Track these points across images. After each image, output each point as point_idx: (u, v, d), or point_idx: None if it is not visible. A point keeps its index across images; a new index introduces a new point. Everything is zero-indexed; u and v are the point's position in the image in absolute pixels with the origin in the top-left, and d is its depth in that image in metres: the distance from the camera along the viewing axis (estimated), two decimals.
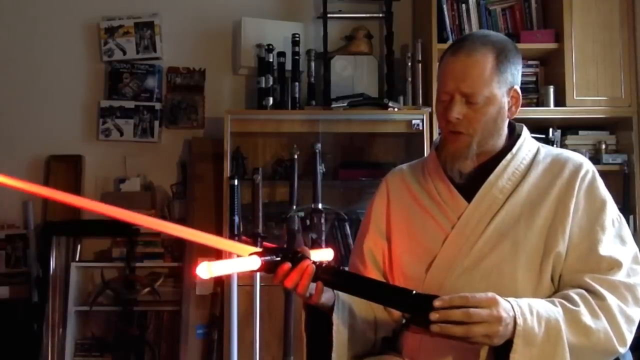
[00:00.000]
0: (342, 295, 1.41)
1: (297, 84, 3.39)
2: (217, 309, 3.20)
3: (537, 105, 3.33)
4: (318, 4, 3.59)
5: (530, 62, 3.37)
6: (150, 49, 3.62)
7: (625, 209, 3.11)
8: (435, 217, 1.48)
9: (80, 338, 3.45)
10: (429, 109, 3.20)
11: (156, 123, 3.60)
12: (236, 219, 3.04)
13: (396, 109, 3.22)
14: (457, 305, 1.18)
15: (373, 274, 1.55)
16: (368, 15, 3.63)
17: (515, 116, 1.49)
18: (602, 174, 1.48)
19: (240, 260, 1.22)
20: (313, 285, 1.31)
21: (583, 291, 1.32)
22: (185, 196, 3.49)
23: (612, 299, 1.31)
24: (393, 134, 3.37)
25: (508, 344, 1.20)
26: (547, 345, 1.22)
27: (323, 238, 3.03)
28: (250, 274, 2.94)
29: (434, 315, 1.17)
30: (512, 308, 1.21)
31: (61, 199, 1.25)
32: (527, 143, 1.50)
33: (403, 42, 3.64)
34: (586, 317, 1.27)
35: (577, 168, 1.44)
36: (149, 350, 3.39)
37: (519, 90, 1.47)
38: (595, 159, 3.20)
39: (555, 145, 3.12)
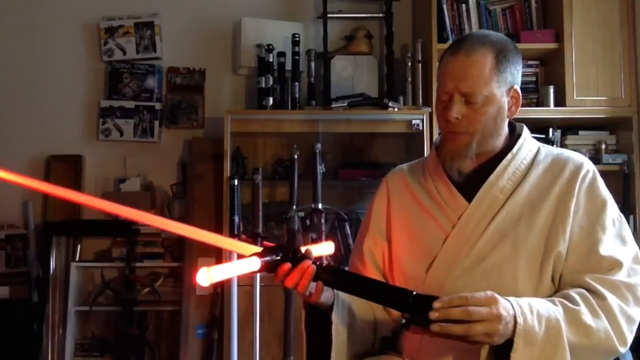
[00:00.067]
0: (342, 295, 1.41)
1: (297, 84, 3.39)
2: (217, 309, 3.20)
3: (537, 105, 3.33)
4: (318, 4, 3.59)
5: (530, 62, 3.37)
6: (150, 49, 3.62)
7: (625, 209, 3.11)
8: (436, 217, 1.48)
9: (80, 338, 3.46)
10: (429, 109, 3.20)
11: (156, 123, 3.60)
12: (236, 219, 3.04)
13: (396, 109, 3.22)
14: (456, 305, 1.18)
15: (373, 274, 1.55)
16: (368, 15, 3.63)
17: (515, 116, 1.49)
18: (602, 174, 1.48)
19: (240, 263, 1.22)
20: (313, 285, 1.31)
21: (583, 291, 1.32)
22: (185, 196, 3.49)
23: (612, 299, 1.31)
24: (393, 134, 3.37)
25: (508, 344, 1.20)
26: (547, 345, 1.22)
27: (323, 238, 3.02)
28: (251, 274, 2.94)
29: (433, 314, 1.17)
30: (512, 307, 1.21)
31: (61, 194, 1.25)
32: (528, 143, 1.50)
33: (403, 42, 3.64)
34: (587, 317, 1.27)
35: (578, 168, 1.44)
36: (149, 350, 3.39)
37: (519, 90, 1.47)
38: (595, 159, 3.19)
39: (555, 145, 3.12)
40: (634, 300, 1.33)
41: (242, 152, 3.37)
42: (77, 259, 3.48)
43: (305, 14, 3.67)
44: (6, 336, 3.33)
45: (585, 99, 3.21)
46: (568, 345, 1.23)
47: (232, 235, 2.99)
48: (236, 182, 3.07)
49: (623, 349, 1.32)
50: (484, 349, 1.23)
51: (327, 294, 1.37)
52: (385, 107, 3.22)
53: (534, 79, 3.41)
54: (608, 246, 1.37)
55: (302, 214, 3.05)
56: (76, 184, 3.51)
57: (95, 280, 3.51)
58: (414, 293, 1.22)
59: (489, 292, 1.21)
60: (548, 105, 3.27)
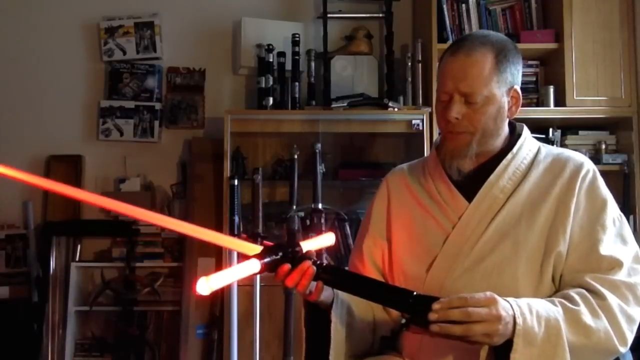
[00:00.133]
0: (341, 294, 1.42)
1: (297, 84, 3.39)
2: (217, 309, 3.20)
3: (537, 105, 3.33)
4: (318, 4, 3.59)
5: (530, 62, 3.37)
6: (150, 49, 3.62)
7: (625, 209, 3.11)
8: (436, 217, 1.48)
9: (80, 338, 3.46)
10: (429, 109, 3.20)
11: (156, 123, 3.60)
12: (236, 219, 3.05)
13: (396, 109, 3.22)
14: (456, 306, 1.18)
15: (372, 273, 1.55)
16: (368, 15, 3.63)
17: (515, 116, 1.49)
18: (602, 174, 1.48)
19: (240, 267, 1.22)
20: (313, 284, 1.31)
21: (583, 291, 1.32)
22: (185, 196, 3.49)
23: (612, 299, 1.31)
24: (393, 134, 3.37)
25: (508, 344, 1.20)
26: (547, 345, 1.22)
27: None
28: (251, 277, 2.94)
29: (432, 316, 1.17)
30: (512, 307, 1.21)
31: (61, 190, 1.25)
32: (528, 143, 1.50)
33: (403, 42, 3.64)
34: (586, 317, 1.27)
35: (578, 168, 1.44)
36: (149, 350, 3.39)
37: (519, 90, 1.47)
38: (595, 159, 3.19)
39: (555, 145, 3.12)
40: (635, 300, 1.33)
41: (242, 152, 3.37)
42: (77, 259, 3.48)
43: (305, 14, 3.67)
44: (6, 336, 3.33)
45: (585, 99, 3.21)
46: (568, 345, 1.23)
47: (232, 235, 2.99)
48: (236, 182, 3.07)
49: (623, 349, 1.31)
50: (484, 349, 1.23)
51: (326, 293, 1.37)
52: (385, 107, 3.22)
53: (534, 79, 3.41)
54: (608, 246, 1.37)
55: (302, 214, 3.05)
56: (76, 184, 3.51)
57: (95, 280, 3.51)
58: (414, 293, 1.22)
59: (488, 293, 1.21)
60: (548, 105, 3.27)
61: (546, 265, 1.37)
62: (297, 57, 3.40)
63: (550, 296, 1.35)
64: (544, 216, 1.40)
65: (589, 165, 1.46)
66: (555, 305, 1.28)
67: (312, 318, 1.44)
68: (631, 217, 3.15)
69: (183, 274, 3.36)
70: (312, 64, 3.48)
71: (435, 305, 1.17)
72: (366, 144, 3.51)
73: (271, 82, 3.34)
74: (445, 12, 3.35)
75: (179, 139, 3.63)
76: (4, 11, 3.66)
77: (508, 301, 1.22)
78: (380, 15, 3.58)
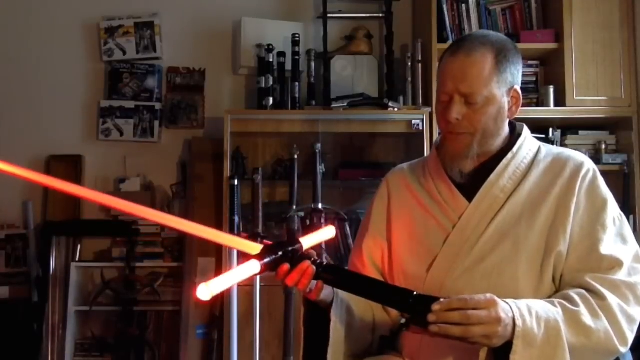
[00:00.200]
0: (341, 293, 1.42)
1: (297, 84, 3.39)
2: (217, 309, 3.20)
3: (537, 105, 3.33)
4: (318, 4, 3.59)
5: (530, 62, 3.37)
6: (150, 49, 3.62)
7: (625, 208, 3.11)
8: (436, 217, 1.48)
9: (80, 338, 3.46)
10: (429, 109, 3.20)
11: (156, 123, 3.60)
12: (236, 219, 3.05)
13: (396, 109, 3.22)
14: (455, 308, 1.18)
15: (372, 273, 1.55)
16: (368, 15, 3.63)
17: (515, 116, 1.49)
18: (602, 174, 1.48)
19: (240, 269, 1.22)
20: (314, 282, 1.32)
21: (583, 291, 1.32)
22: (185, 196, 3.49)
23: (612, 299, 1.31)
24: (393, 134, 3.37)
25: (508, 346, 1.20)
26: (547, 346, 1.22)
27: None
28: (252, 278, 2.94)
29: (431, 317, 1.17)
30: (511, 309, 1.21)
31: (61, 187, 1.26)
32: (528, 142, 1.50)
33: (403, 42, 3.64)
34: (586, 317, 1.27)
35: (578, 167, 1.44)
36: (149, 350, 3.39)
37: (519, 90, 1.47)
38: (595, 159, 3.19)
39: (555, 145, 3.12)
40: (635, 300, 1.33)
41: (242, 152, 3.37)
42: (77, 259, 3.48)
43: (305, 14, 3.67)
44: (6, 336, 3.33)
45: (585, 99, 3.21)
46: (568, 346, 1.23)
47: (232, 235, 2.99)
48: (236, 182, 3.08)
49: (624, 349, 1.31)
50: (483, 350, 1.23)
51: (326, 292, 1.37)
52: (385, 107, 3.22)
53: (534, 79, 3.41)
54: (608, 245, 1.37)
55: (302, 214, 3.05)
56: (76, 184, 3.50)
57: (95, 280, 3.51)
58: (415, 293, 1.22)
59: (488, 295, 1.21)
60: (548, 105, 3.27)
61: (546, 265, 1.37)
62: (297, 57, 3.40)
63: (550, 296, 1.35)
64: (544, 216, 1.40)
65: (589, 165, 1.46)
66: (555, 306, 1.27)
67: (311, 317, 1.44)
68: (631, 217, 3.15)
69: (183, 274, 3.36)
70: (312, 64, 3.48)
71: (435, 307, 1.18)
72: (366, 144, 3.51)
73: (271, 82, 3.34)
74: (445, 12, 3.35)
75: (179, 139, 3.63)
76: (4, 11, 3.66)
77: (508, 303, 1.22)
78: (380, 15, 3.58)
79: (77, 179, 3.53)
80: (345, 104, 3.22)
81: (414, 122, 3.21)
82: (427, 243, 1.47)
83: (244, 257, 1.27)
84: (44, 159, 3.58)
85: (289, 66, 3.41)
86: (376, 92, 3.45)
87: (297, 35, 3.42)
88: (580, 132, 3.33)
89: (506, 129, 1.49)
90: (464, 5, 3.39)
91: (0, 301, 3.43)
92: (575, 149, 1.54)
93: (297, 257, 1.29)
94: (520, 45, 2.95)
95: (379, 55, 3.60)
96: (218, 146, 3.27)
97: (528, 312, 1.22)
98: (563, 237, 1.37)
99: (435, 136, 3.12)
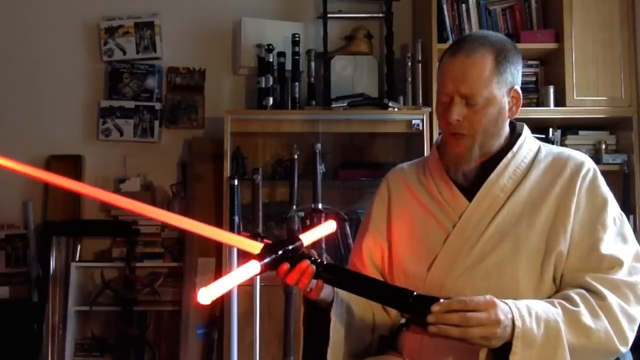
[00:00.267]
0: (341, 293, 1.42)
1: (297, 84, 3.39)
2: (217, 309, 3.20)
3: (537, 105, 3.33)
4: (318, 4, 3.59)
5: (530, 62, 3.37)
6: (150, 49, 3.62)
7: (625, 208, 3.11)
8: (437, 216, 1.48)
9: (80, 338, 3.45)
10: (429, 109, 3.20)
11: (156, 123, 3.60)
12: (236, 219, 3.05)
13: (396, 109, 3.22)
14: (455, 309, 1.18)
15: (371, 273, 1.55)
16: (368, 15, 3.63)
17: (515, 116, 1.49)
18: (602, 174, 1.48)
19: (240, 270, 1.22)
20: (314, 281, 1.32)
21: (583, 291, 1.32)
22: (185, 196, 3.49)
23: (613, 298, 1.30)
24: (393, 134, 3.37)
25: (508, 346, 1.20)
26: (546, 347, 1.22)
27: (323, 238, 3.02)
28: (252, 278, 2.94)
29: (431, 318, 1.17)
30: (511, 310, 1.21)
31: (61, 184, 1.26)
32: (528, 142, 1.50)
33: (403, 42, 3.64)
34: (586, 318, 1.27)
35: (579, 166, 1.44)
36: (149, 350, 3.39)
37: (519, 90, 1.47)
38: (595, 159, 3.18)
39: (555, 145, 3.12)
40: (635, 299, 1.33)
41: (242, 152, 3.37)
42: (77, 259, 3.48)
43: (305, 14, 3.67)
44: (6, 336, 3.33)
45: (585, 99, 3.21)
46: (568, 346, 1.23)
47: None
48: (236, 182, 3.07)
49: (624, 349, 1.31)
50: (483, 350, 1.23)
51: (326, 291, 1.38)
52: (385, 107, 3.22)
53: (534, 79, 3.41)
54: (609, 245, 1.37)
55: (302, 214, 3.05)
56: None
57: (95, 280, 3.51)
58: (414, 294, 1.22)
59: (488, 297, 1.21)
60: (548, 105, 3.27)
61: (547, 264, 1.37)
62: (297, 57, 3.40)
63: (550, 296, 1.35)
64: (544, 215, 1.40)
65: (589, 164, 1.46)
66: (555, 306, 1.28)
67: (311, 316, 1.44)
68: (631, 217, 3.15)
69: (183, 274, 3.36)
70: (312, 64, 3.48)
71: (434, 308, 1.18)
72: (366, 144, 3.51)
73: (271, 82, 3.34)
74: (445, 12, 3.35)
75: (179, 139, 3.63)
76: (4, 11, 3.66)
77: (507, 304, 1.22)
78: (380, 15, 3.58)
79: (77, 179, 3.52)
80: (345, 104, 3.22)
81: (414, 122, 3.21)
82: (428, 242, 1.47)
83: (244, 258, 1.27)
84: (44, 159, 3.57)
85: (289, 66, 3.41)
86: (376, 92, 3.45)
87: (297, 35, 3.42)
88: (580, 132, 3.33)
89: (506, 129, 1.49)
90: (464, 5, 3.39)
91: (0, 301, 3.43)
92: (575, 149, 1.54)
93: (297, 256, 1.29)
94: (520, 45, 2.96)
95: (379, 55, 3.60)
96: (218, 146, 3.27)
97: (528, 313, 1.22)
98: (563, 237, 1.37)
99: (435, 136, 3.12)
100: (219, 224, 3.16)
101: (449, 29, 3.36)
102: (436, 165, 1.53)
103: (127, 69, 3.61)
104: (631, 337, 1.32)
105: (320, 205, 3.06)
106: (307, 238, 1.38)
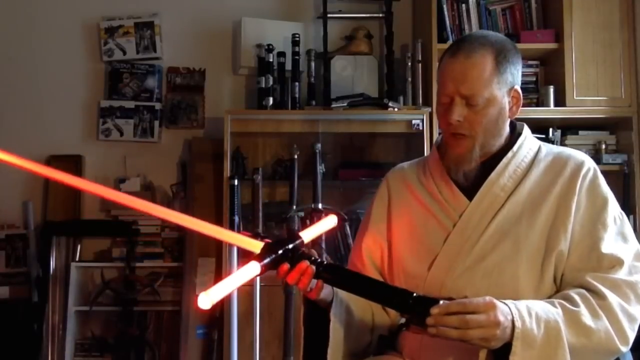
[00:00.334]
0: (341, 293, 1.42)
1: (297, 84, 3.39)
2: (217, 309, 3.20)
3: (537, 105, 3.33)
4: (318, 4, 3.59)
5: (530, 62, 3.37)
6: (150, 49, 3.62)
7: (625, 208, 3.10)
8: (437, 216, 1.48)
9: (80, 338, 3.45)
10: (429, 109, 3.20)
11: (156, 123, 3.60)
12: (236, 219, 3.05)
13: (396, 109, 3.22)
14: (454, 312, 1.18)
15: (371, 273, 1.55)
16: (368, 15, 3.63)
17: (516, 116, 1.49)
18: (602, 174, 1.48)
19: (240, 272, 1.22)
20: (314, 281, 1.32)
21: (584, 291, 1.32)
22: (185, 196, 3.49)
23: (613, 298, 1.30)
24: (393, 134, 3.37)
25: (508, 347, 1.20)
26: (547, 347, 1.22)
27: (323, 238, 3.02)
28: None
29: (430, 321, 1.17)
30: (510, 311, 1.21)
31: (62, 179, 1.27)
32: (528, 141, 1.50)
33: (403, 42, 3.64)
34: (586, 318, 1.27)
35: (579, 166, 1.44)
36: (149, 350, 3.39)
37: (519, 90, 1.47)
38: (595, 159, 3.12)
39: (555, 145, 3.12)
40: (636, 298, 1.33)
41: (242, 152, 3.37)
42: (77, 259, 3.48)
43: (305, 14, 3.67)
44: (6, 336, 3.33)
45: (585, 99, 3.21)
46: (568, 346, 1.23)
47: None
48: (236, 182, 3.07)
49: (625, 348, 1.31)
50: (483, 350, 1.23)
51: (326, 291, 1.38)
52: (385, 107, 3.22)
53: (534, 79, 3.41)
54: (609, 244, 1.37)
55: (302, 214, 3.05)
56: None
57: (95, 280, 3.51)
58: (414, 295, 1.22)
59: (487, 298, 1.21)
60: (548, 105, 3.27)
61: (547, 264, 1.37)
62: (297, 57, 3.40)
63: (550, 295, 1.35)
64: (544, 215, 1.40)
65: (589, 164, 1.46)
66: (555, 306, 1.27)
67: (311, 316, 1.45)
68: (631, 217, 3.15)
69: (183, 274, 3.36)
70: (312, 64, 3.48)
71: (434, 310, 1.18)
72: (366, 144, 3.51)
73: (271, 82, 3.34)
74: (445, 12, 3.35)
75: (179, 139, 3.63)
76: (4, 11, 3.66)
77: (507, 304, 1.22)
78: (380, 15, 3.58)
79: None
80: (345, 104, 3.22)
81: (414, 122, 3.21)
82: (428, 242, 1.47)
83: (244, 256, 1.27)
84: (44, 159, 3.57)
85: (289, 66, 3.41)
86: (376, 92, 3.45)
87: (297, 35, 3.42)
88: (580, 132, 3.33)
89: (507, 129, 1.50)
90: (464, 5, 3.39)
91: (0, 301, 3.43)
92: (576, 149, 1.54)
93: (297, 256, 1.29)
94: (520, 45, 2.96)
95: (379, 55, 3.60)
96: (218, 146, 3.27)
97: (527, 314, 1.22)
98: (564, 236, 1.37)
99: (435, 136, 3.12)
100: (219, 224, 3.13)
101: (449, 29, 3.36)
102: (436, 165, 1.53)
103: (127, 69, 3.61)
104: (632, 336, 1.32)
105: (320, 205, 3.06)
106: (309, 234, 1.38)
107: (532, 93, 3.37)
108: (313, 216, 3.04)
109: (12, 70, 3.63)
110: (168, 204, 3.53)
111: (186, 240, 3.36)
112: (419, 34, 3.52)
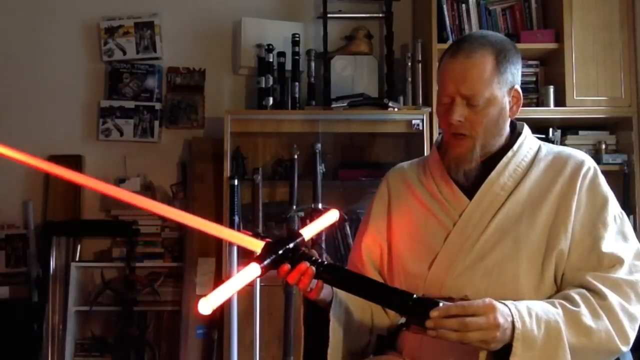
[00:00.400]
0: (340, 293, 1.42)
1: (297, 84, 3.39)
2: (217, 309, 3.19)
3: (537, 105, 3.33)
4: (318, 4, 3.59)
5: (530, 62, 3.37)
6: (150, 49, 3.62)
7: (625, 208, 3.09)
8: (437, 215, 1.48)
9: (80, 338, 3.45)
10: (429, 109, 3.20)
11: (156, 123, 3.60)
12: (236, 219, 3.05)
13: (396, 109, 3.22)
14: (454, 314, 1.18)
15: (370, 272, 1.55)
16: (368, 15, 3.63)
17: (516, 116, 1.49)
18: (602, 174, 1.48)
19: (240, 275, 1.22)
20: (315, 281, 1.32)
21: (584, 291, 1.31)
22: (185, 196, 3.49)
23: (613, 298, 1.30)
24: (393, 134, 3.37)
25: (508, 347, 1.20)
26: (547, 347, 1.22)
27: (323, 238, 3.03)
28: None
29: (429, 324, 1.17)
30: (510, 312, 1.21)
31: (62, 174, 1.27)
32: (528, 141, 1.50)
33: (403, 42, 3.64)
34: (587, 318, 1.27)
35: (579, 165, 1.44)
36: (149, 350, 3.39)
37: (519, 90, 1.47)
38: (595, 158, 3.11)
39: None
40: (636, 298, 1.33)
41: (242, 152, 3.37)
42: (77, 259, 3.48)
43: (305, 14, 3.67)
44: (6, 336, 3.33)
45: (585, 99, 3.21)
46: (569, 346, 1.23)
47: None
48: (236, 182, 3.07)
49: (625, 348, 1.31)
50: (483, 351, 1.23)
51: (325, 291, 1.38)
52: (385, 107, 3.22)
53: (534, 79, 3.40)
54: (609, 243, 1.37)
55: (302, 214, 3.05)
56: (76, 184, 3.51)
57: (95, 280, 3.51)
58: (414, 296, 1.22)
59: (487, 300, 1.21)
60: (548, 105, 3.27)
61: (547, 263, 1.37)
62: (297, 57, 3.40)
63: (551, 295, 1.35)
64: (545, 214, 1.40)
65: (589, 163, 1.46)
66: (555, 306, 1.27)
67: (311, 316, 1.45)
68: (631, 216, 3.15)
69: (183, 274, 3.36)
70: (312, 64, 3.48)
71: (433, 313, 1.18)
72: (366, 144, 3.51)
73: (271, 82, 3.34)
74: (445, 12, 3.35)
75: (179, 139, 3.63)
76: (4, 11, 3.66)
77: (507, 305, 1.22)
78: (380, 15, 3.58)
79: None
80: (345, 104, 3.22)
81: (414, 122, 3.21)
82: (428, 241, 1.47)
83: (244, 256, 1.28)
84: (44, 159, 3.56)
85: (289, 66, 3.41)
86: (376, 92, 3.45)
87: (297, 35, 3.42)
88: (580, 132, 3.33)
89: (507, 129, 1.50)
90: (464, 5, 3.39)
91: (0, 301, 3.43)
92: (576, 149, 1.54)
93: (297, 256, 1.29)
94: (520, 45, 2.96)
95: (379, 55, 3.60)
96: (218, 146, 3.27)
97: (528, 314, 1.22)
98: (564, 236, 1.37)
99: (435, 136, 3.12)
100: (219, 224, 3.15)
101: (449, 29, 3.36)
102: (437, 165, 1.53)
103: (127, 69, 3.61)
104: (632, 336, 1.32)
105: (320, 205, 3.06)
106: (310, 230, 1.38)
107: (532, 93, 3.37)
108: (313, 216, 3.03)
109: (12, 70, 3.63)
110: (168, 204, 3.52)
111: (186, 240, 3.36)
112: (419, 34, 3.52)
